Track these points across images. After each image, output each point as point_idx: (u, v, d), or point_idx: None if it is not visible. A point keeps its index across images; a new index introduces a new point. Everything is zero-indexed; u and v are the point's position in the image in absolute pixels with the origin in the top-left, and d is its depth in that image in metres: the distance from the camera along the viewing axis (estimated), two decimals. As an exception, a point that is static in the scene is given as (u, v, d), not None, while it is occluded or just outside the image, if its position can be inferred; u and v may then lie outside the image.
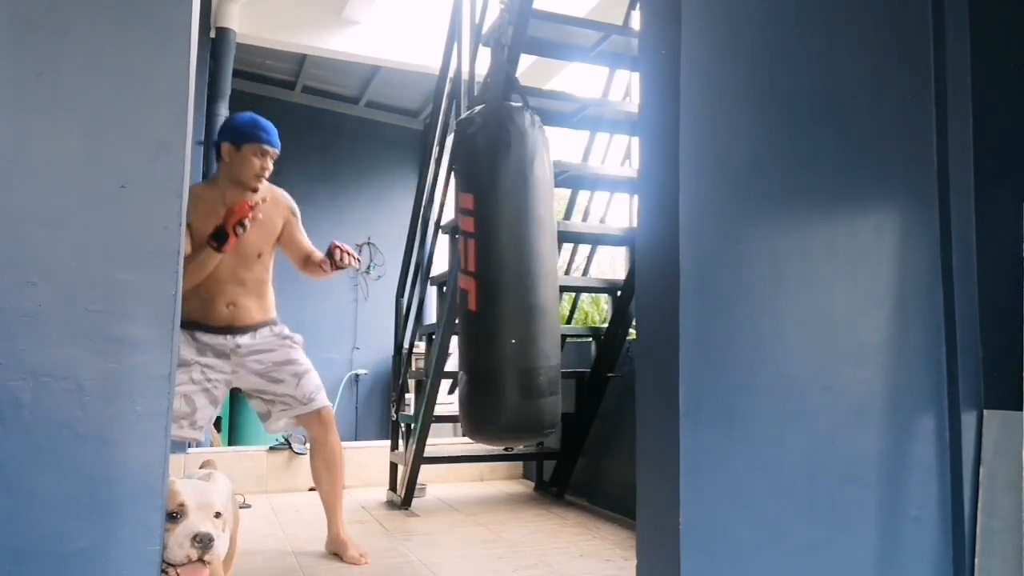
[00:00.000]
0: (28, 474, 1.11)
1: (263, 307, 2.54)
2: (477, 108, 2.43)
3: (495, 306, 2.28)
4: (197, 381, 2.41)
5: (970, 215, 1.70)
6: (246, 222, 2.33)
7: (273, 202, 2.54)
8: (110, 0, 1.20)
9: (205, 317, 2.44)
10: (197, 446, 4.14)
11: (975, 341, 1.67)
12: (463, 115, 2.49)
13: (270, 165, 2.46)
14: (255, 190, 2.45)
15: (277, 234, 2.57)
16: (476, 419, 2.36)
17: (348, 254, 2.48)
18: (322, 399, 2.54)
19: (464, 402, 2.39)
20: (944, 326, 1.67)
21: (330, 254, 2.48)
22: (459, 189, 2.43)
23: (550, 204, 2.42)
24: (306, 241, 2.63)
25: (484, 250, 2.29)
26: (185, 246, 2.34)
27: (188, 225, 2.36)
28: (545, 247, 2.35)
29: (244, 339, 2.47)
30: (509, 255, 2.29)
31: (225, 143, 2.43)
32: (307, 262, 2.60)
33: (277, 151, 2.47)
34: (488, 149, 2.31)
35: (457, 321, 2.49)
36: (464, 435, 2.49)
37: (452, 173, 3.05)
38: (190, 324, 2.42)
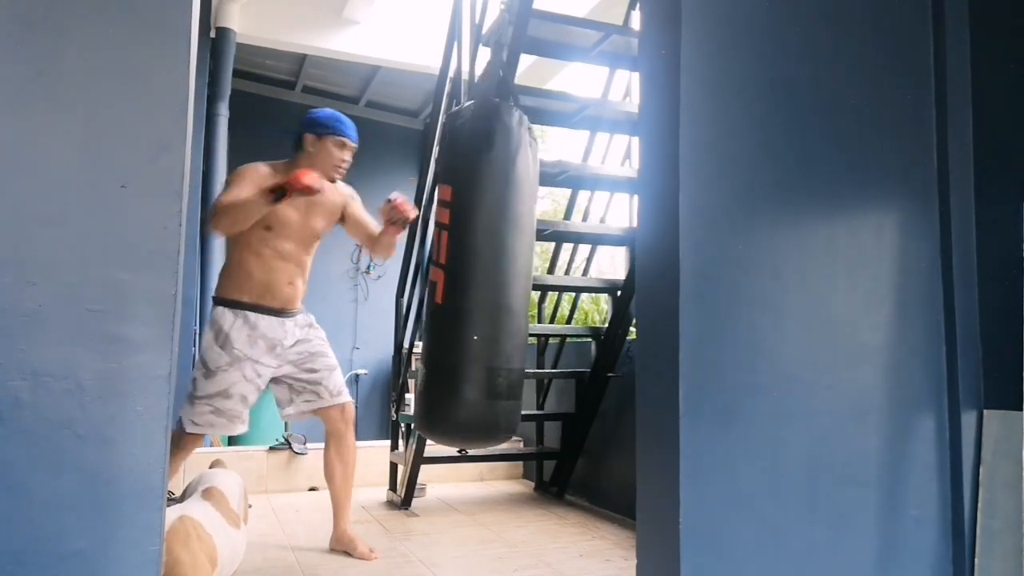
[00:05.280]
0: (28, 474, 1.11)
1: (305, 292, 2.62)
2: (466, 103, 2.42)
3: (461, 300, 2.23)
4: (250, 379, 2.44)
5: (970, 215, 1.71)
6: (305, 194, 2.34)
7: (333, 189, 2.61)
8: (110, 0, 1.20)
9: (267, 296, 2.47)
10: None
11: (975, 341, 1.67)
12: (453, 109, 2.47)
13: (349, 158, 2.56)
14: (332, 180, 2.54)
15: (336, 219, 2.64)
16: (429, 415, 2.30)
17: (400, 207, 2.47)
18: (348, 395, 2.61)
19: (419, 397, 2.34)
20: (944, 326, 1.67)
21: (390, 210, 2.47)
22: (438, 180, 2.41)
23: (531, 205, 2.37)
24: (371, 220, 2.67)
25: (456, 243, 2.25)
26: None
27: (260, 188, 2.37)
28: (520, 247, 2.29)
29: (291, 327, 2.51)
30: (481, 250, 2.25)
31: (308, 134, 2.52)
32: (372, 238, 2.66)
33: (356, 146, 2.57)
34: (471, 143, 2.28)
35: (425, 313, 2.46)
36: (418, 430, 2.45)
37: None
38: (244, 305, 2.45)
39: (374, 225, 2.65)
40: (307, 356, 2.54)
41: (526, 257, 2.34)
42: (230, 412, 2.42)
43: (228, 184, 2.46)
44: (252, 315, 2.44)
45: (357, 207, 2.68)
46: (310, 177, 2.30)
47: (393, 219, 2.48)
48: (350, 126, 2.56)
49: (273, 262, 2.47)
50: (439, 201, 2.34)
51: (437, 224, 2.34)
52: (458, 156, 2.33)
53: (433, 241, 2.36)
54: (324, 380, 2.54)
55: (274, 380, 2.58)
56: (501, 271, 2.25)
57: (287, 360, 2.52)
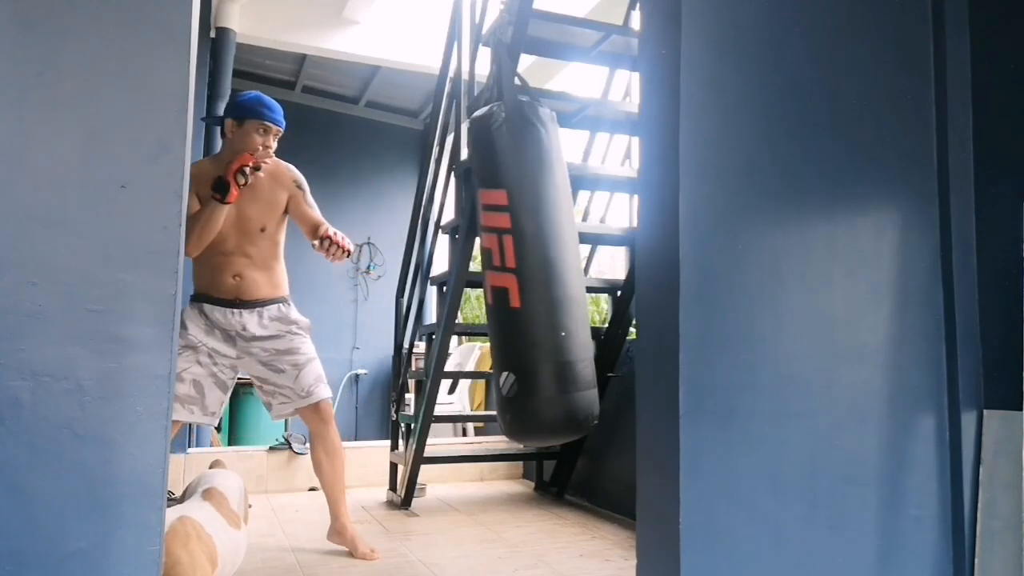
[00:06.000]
0: (28, 474, 1.11)
1: (272, 282, 2.54)
2: (494, 105, 2.40)
3: (540, 301, 2.25)
4: (204, 365, 2.44)
5: (970, 215, 1.70)
6: (247, 170, 2.33)
7: (275, 177, 2.52)
8: (110, 0, 1.21)
9: (213, 288, 2.46)
10: (198, 443, 4.15)
11: (975, 341, 1.67)
12: (478, 112, 2.45)
13: (272, 143, 2.48)
14: (256, 168, 2.45)
15: (281, 209, 2.56)
16: (527, 418, 2.30)
17: (337, 245, 2.43)
18: (320, 392, 2.52)
19: (512, 403, 2.33)
20: (944, 326, 1.67)
21: (321, 239, 2.46)
22: (483, 186, 2.38)
23: (571, 197, 2.43)
24: (314, 214, 2.57)
25: (523, 246, 2.26)
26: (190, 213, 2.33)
27: (196, 195, 2.38)
28: (573, 240, 2.36)
29: (251, 320, 2.47)
30: (545, 248, 2.27)
31: (228, 118, 2.46)
32: (315, 235, 2.59)
33: (280, 129, 2.49)
34: (515, 143, 2.28)
35: (494, 321, 2.43)
36: (511, 438, 2.43)
37: (458, 171, 3.03)
38: (199, 297, 2.48)
39: (318, 220, 2.55)
40: (274, 354, 2.50)
41: (577, 247, 2.39)
42: (183, 397, 2.40)
43: None
44: (206, 306, 2.47)
45: (302, 199, 2.56)
46: (241, 157, 2.31)
47: (332, 254, 2.44)
48: (274, 108, 2.47)
49: (214, 258, 2.45)
50: (491, 207, 2.30)
51: (494, 230, 2.31)
52: (504, 158, 2.31)
53: (491, 248, 2.33)
54: (291, 382, 2.49)
55: (252, 382, 2.58)
56: (565, 265, 2.29)
57: (249, 352, 2.49)
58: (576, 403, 2.28)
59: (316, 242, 2.47)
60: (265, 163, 2.40)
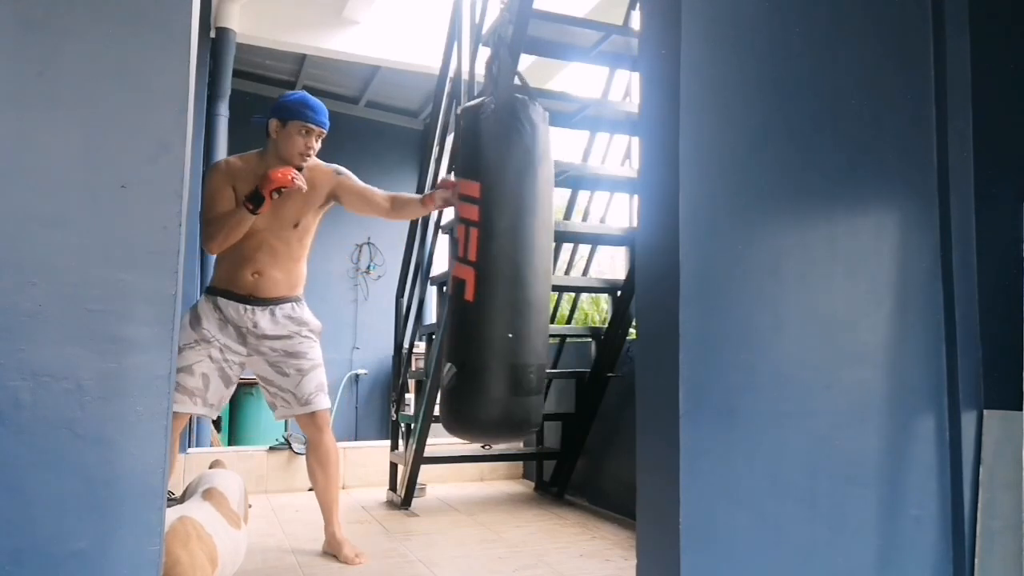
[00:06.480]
0: (28, 474, 1.11)
1: (289, 283, 2.55)
2: (486, 97, 2.39)
3: (494, 298, 2.23)
4: (215, 360, 2.44)
5: (970, 215, 1.71)
6: (283, 190, 2.35)
7: (314, 172, 2.54)
8: (110, 0, 1.21)
9: (230, 283, 2.47)
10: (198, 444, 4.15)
11: (975, 341, 1.67)
12: (470, 102, 2.44)
13: (315, 144, 2.50)
14: (299, 168, 2.48)
15: (320, 203, 2.57)
16: (461, 413, 2.30)
17: (447, 188, 2.44)
18: (319, 402, 2.53)
19: (450, 395, 2.34)
20: (944, 326, 1.67)
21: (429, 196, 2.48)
22: (461, 175, 2.38)
23: (551, 201, 2.40)
24: (372, 188, 2.61)
25: (487, 240, 2.24)
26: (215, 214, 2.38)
27: (232, 188, 2.42)
28: (545, 243, 2.32)
29: (263, 317, 2.48)
30: (511, 247, 2.24)
31: (273, 119, 2.47)
32: (393, 203, 2.60)
33: (324, 130, 2.51)
34: (499, 138, 2.27)
35: (449, 311, 2.45)
36: (445, 429, 2.45)
37: (457, 171, 3.03)
38: (215, 291, 2.49)
39: (382, 198, 2.59)
40: (282, 356, 2.50)
41: (548, 254, 2.37)
42: (191, 390, 2.40)
43: (205, 198, 2.46)
44: (221, 300, 2.47)
45: (351, 181, 2.60)
46: (282, 175, 2.32)
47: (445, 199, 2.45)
48: (318, 109, 2.49)
49: (242, 252, 2.45)
50: (465, 197, 2.30)
51: (463, 221, 2.31)
52: (486, 151, 2.29)
53: (458, 238, 2.34)
54: (294, 388, 2.50)
55: (259, 381, 2.58)
56: (530, 268, 2.26)
57: (259, 351, 2.49)
58: (514, 407, 2.25)
59: (426, 195, 2.49)
60: (302, 188, 2.40)
